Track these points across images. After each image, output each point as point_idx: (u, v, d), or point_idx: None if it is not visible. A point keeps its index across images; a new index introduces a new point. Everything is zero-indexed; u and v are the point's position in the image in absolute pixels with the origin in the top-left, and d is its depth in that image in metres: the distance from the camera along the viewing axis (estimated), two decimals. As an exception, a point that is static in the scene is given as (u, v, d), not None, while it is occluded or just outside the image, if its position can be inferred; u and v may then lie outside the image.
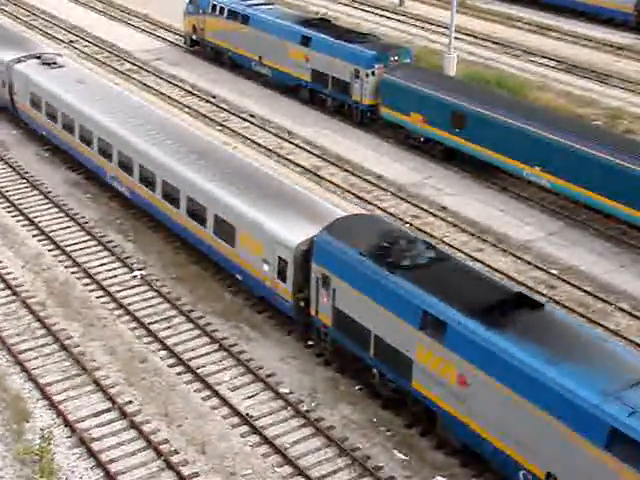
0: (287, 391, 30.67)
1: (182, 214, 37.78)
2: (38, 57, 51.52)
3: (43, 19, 74.70)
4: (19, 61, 51.25)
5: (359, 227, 31.95)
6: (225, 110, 55.95)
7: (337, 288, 29.91)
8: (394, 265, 28.40)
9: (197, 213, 36.93)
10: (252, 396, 30.39)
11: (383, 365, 28.84)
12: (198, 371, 31.36)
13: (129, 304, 35.23)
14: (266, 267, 32.92)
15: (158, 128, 42.81)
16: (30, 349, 32.39)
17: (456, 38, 60.19)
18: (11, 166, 47.21)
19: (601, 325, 34.97)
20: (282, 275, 32.23)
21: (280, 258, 32.18)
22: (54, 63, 50.71)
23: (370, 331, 28.81)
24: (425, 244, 30.37)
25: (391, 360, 28.31)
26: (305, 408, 29.85)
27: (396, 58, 52.83)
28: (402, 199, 45.22)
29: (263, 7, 61.77)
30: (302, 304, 32.14)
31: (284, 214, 33.89)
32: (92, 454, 27.26)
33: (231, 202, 35.27)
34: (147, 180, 39.95)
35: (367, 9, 79.51)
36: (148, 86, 59.49)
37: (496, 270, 38.51)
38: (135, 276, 37.35)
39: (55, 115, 47.15)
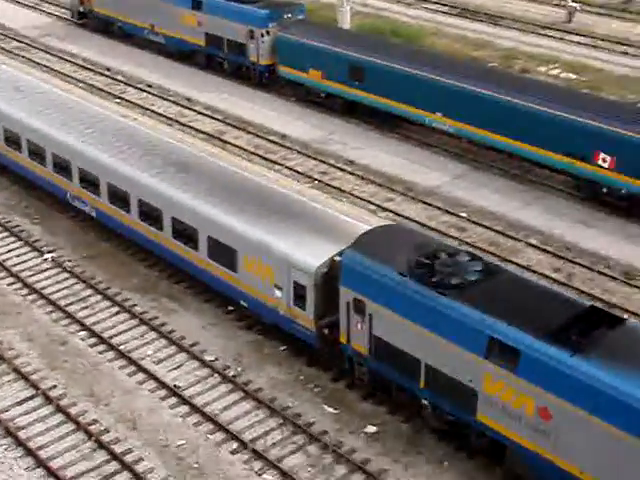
0: (212, 358, 30.76)
1: (167, 236, 34.10)
2: None
3: None
4: None
5: (387, 241, 28.03)
6: (121, 82, 55.30)
7: (374, 313, 26.17)
8: (444, 285, 24.76)
9: (185, 235, 33.25)
10: (178, 367, 30.41)
11: (437, 397, 25.49)
12: (120, 348, 31.24)
13: (42, 288, 34.84)
14: (278, 293, 29.20)
15: (121, 137, 38.80)
16: (-56, 344, 32.03)
17: (348, -10, 60.21)
18: None
19: (513, 262, 35.69)
20: (300, 301, 28.52)
21: (297, 283, 28.40)
22: None
23: (420, 360, 25.29)
24: (468, 255, 26.93)
25: (448, 391, 24.90)
26: (232, 373, 29.98)
27: (290, 15, 52.68)
28: (308, 156, 45.33)
29: (151, -27, 60.96)
30: (326, 331, 28.42)
31: (293, 232, 30.03)
32: (20, 443, 26.97)
33: (228, 222, 31.46)
34: (121, 200, 35.88)
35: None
36: (38, 64, 58.42)
37: (407, 218, 38.95)
38: (46, 259, 36.91)
39: None
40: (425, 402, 26.03)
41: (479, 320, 23.49)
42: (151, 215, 34.47)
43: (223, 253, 31.37)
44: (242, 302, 31.63)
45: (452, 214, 39.67)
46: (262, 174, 37.84)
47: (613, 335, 22.72)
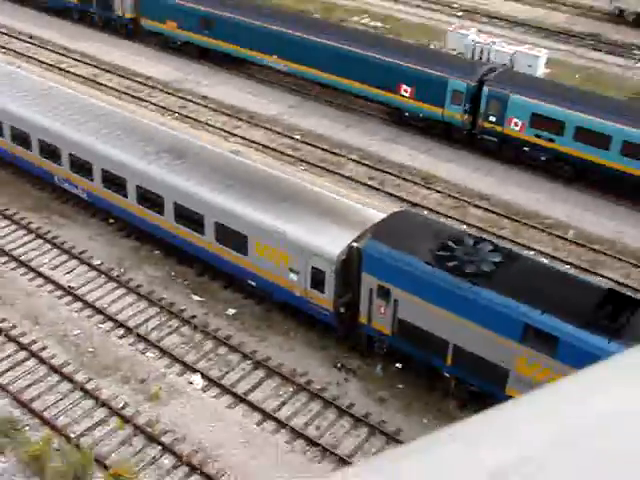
0: (99, 262, 30.22)
1: (169, 220, 29.30)
2: None
3: None
4: None
5: (404, 229, 24.86)
6: (5, 35, 52.65)
7: (400, 299, 23.57)
8: (473, 274, 22.29)
9: (190, 220, 28.53)
10: (70, 271, 29.80)
11: (465, 373, 23.24)
12: (21, 258, 30.33)
13: (-49, 211, 33.44)
14: (294, 276, 25.59)
15: (113, 124, 32.86)
16: None
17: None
18: None
19: (338, 174, 35.97)
20: (318, 285, 25.10)
21: (315, 268, 24.92)
22: None
23: (448, 342, 22.97)
24: (486, 242, 23.99)
25: (477, 369, 22.66)
26: (116, 274, 29.60)
27: (148, -25, 51.02)
28: (169, 94, 44.36)
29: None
30: (342, 310, 25.49)
31: (306, 219, 26.18)
32: (-58, 339, 26.24)
33: (238, 209, 27.06)
34: (119, 185, 30.68)
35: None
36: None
37: (253, 142, 38.71)
38: (-47, 187, 35.32)
39: None
40: (448, 376, 23.72)
41: (513, 308, 21.40)
42: (156, 203, 29.50)
43: (233, 238, 27.24)
44: (250, 281, 27.65)
45: (288, 137, 39.56)
46: (266, 163, 32.63)
47: (637, 318, 20.86)
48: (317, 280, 25.07)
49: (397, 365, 24.98)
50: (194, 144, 31.81)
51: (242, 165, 30.26)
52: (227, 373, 25.17)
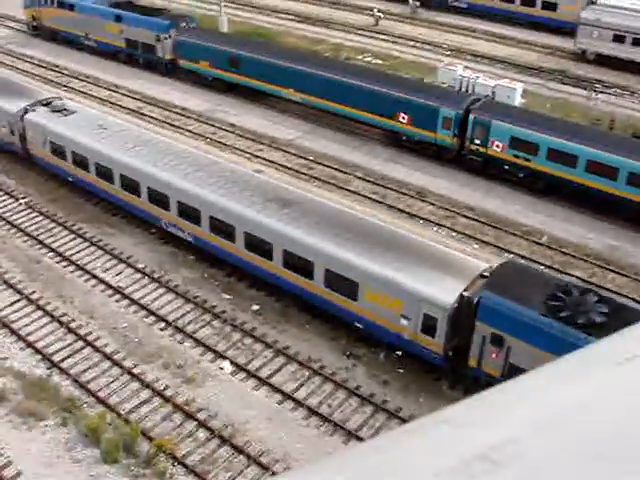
0: (143, 266, 30.29)
1: (277, 265, 26.99)
2: (45, 104, 37.10)
3: None
4: (27, 111, 36.74)
5: (513, 280, 23.06)
6: (67, 75, 52.93)
7: (513, 346, 21.90)
8: (585, 325, 20.65)
9: (299, 266, 26.16)
10: (119, 274, 29.89)
11: None
12: (78, 262, 30.47)
13: (20, 224, 33.51)
14: (404, 322, 23.64)
15: (219, 174, 30.56)
16: (-49, 266, 30.59)
17: (225, 5, 58.71)
18: None
19: (347, 189, 35.95)
20: (429, 330, 23.20)
21: (427, 315, 23.02)
22: (65, 109, 36.55)
23: None
24: (591, 293, 22.14)
25: None
26: (157, 275, 29.64)
27: (184, 24, 51.24)
28: (202, 122, 44.42)
29: (83, -4, 58.26)
30: (450, 354, 23.68)
31: (415, 268, 24.00)
32: (14, 332, 26.46)
33: (349, 257, 24.72)
34: (227, 233, 28.28)
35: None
36: (5, 64, 55.39)
37: (272, 162, 38.76)
38: (20, 203, 35.43)
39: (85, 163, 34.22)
40: None
41: None
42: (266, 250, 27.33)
43: (343, 284, 24.93)
44: (357, 324, 25.30)
45: (303, 158, 39.55)
46: (366, 212, 31.31)
47: None
48: (428, 326, 23.20)
49: (397, 352, 24.94)
50: (298, 194, 29.04)
51: (346, 214, 27.70)
52: (252, 360, 25.18)
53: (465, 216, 34.14)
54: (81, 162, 34.27)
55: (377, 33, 61.28)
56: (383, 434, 2.53)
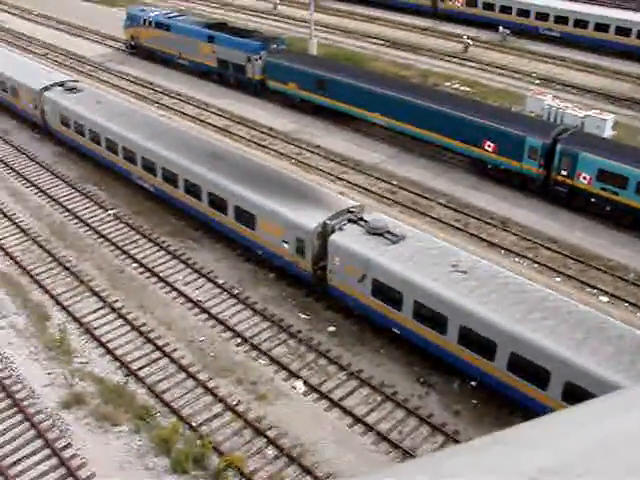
0: (223, 281, 30.62)
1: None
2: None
3: (24, 40, 71.27)
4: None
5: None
6: (160, 92, 54.40)
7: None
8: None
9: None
10: (199, 288, 30.30)
11: None
12: (160, 274, 31.06)
13: (107, 234, 34.46)
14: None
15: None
16: (43, 272, 31.61)
17: (315, 29, 59.39)
18: (13, 145, 45.31)
19: (428, 215, 35.63)
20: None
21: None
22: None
23: None
24: None
25: None
26: (236, 292, 29.90)
27: (275, 46, 52.03)
28: (288, 142, 44.85)
29: (179, 17, 59.92)
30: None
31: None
32: (95, 338, 27.16)
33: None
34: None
35: (251, 13, 77.74)
36: (103, 80, 57.38)
37: (356, 185, 38.77)
38: (109, 214, 36.45)
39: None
40: None
41: None
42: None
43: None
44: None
45: (387, 182, 39.42)
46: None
47: None
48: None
49: (472, 383, 24.45)
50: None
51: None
52: (325, 381, 25.08)
53: (548, 248, 33.33)
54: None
55: (466, 60, 60.88)
56: (441, 450, 2.53)
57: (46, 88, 43.89)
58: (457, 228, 34.74)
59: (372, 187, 38.71)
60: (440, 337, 24.05)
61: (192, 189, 33.28)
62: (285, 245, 28.83)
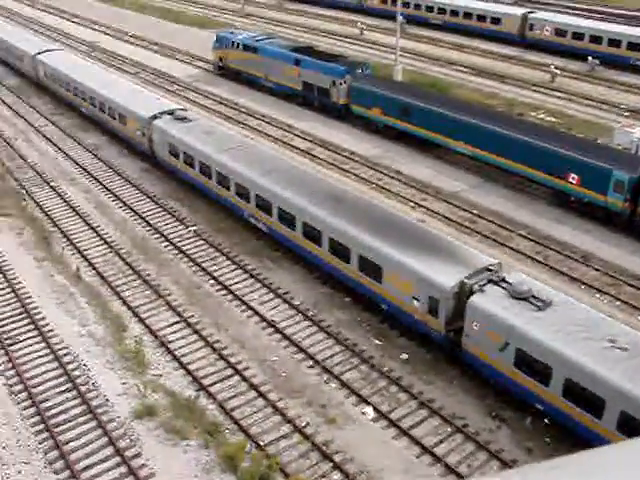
0: (298, 303, 30.73)
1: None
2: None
3: (117, 59, 73.82)
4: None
5: None
6: (244, 113, 55.38)
7: None
8: None
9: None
10: (274, 308, 30.48)
11: None
12: (236, 293, 31.40)
13: (187, 250, 35.12)
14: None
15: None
16: (123, 284, 32.42)
17: (401, 55, 59.51)
18: (102, 160, 46.81)
19: (508, 246, 35.01)
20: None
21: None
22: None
23: None
24: None
25: None
26: (311, 314, 29.94)
27: (360, 70, 52.35)
28: (369, 167, 44.91)
29: (267, 40, 61.03)
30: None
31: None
32: (169, 351, 27.62)
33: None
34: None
35: (338, 38, 78.51)
36: (190, 99, 58.83)
37: (436, 213, 38.47)
38: (189, 230, 37.16)
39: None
40: None
41: None
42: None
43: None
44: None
45: (467, 211, 38.98)
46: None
47: None
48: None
49: (545, 420, 23.78)
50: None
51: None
52: (395, 409, 24.80)
53: (632, 285, 32.25)
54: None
55: (552, 90, 59.90)
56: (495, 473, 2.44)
57: (155, 116, 43.16)
58: (537, 260, 34.02)
59: (452, 216, 38.32)
60: (595, 421, 21.46)
61: (311, 233, 31.09)
62: (415, 302, 26.43)
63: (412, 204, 39.63)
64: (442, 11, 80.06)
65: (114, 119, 48.04)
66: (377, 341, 28.32)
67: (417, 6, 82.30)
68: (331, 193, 32.35)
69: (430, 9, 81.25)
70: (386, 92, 48.57)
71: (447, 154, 45.82)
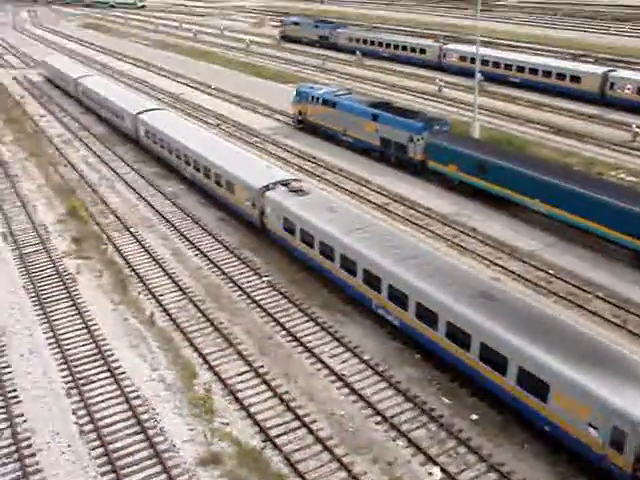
0: (368, 357, 30.48)
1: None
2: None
3: (200, 111, 75.99)
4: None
5: None
6: (322, 167, 56.04)
7: None
8: None
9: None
10: (344, 362, 30.31)
11: None
12: (307, 345, 31.38)
13: (259, 299, 35.39)
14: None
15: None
16: (195, 330, 32.83)
17: (479, 112, 59.51)
18: (180, 208, 47.92)
19: (585, 308, 34.09)
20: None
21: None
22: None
23: None
24: None
25: None
26: (381, 369, 29.64)
27: (438, 127, 52.49)
28: (445, 224, 44.67)
29: (345, 96, 61.96)
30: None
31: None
32: (237, 400, 27.69)
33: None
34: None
35: (417, 95, 79.09)
36: (268, 151, 59.97)
37: (510, 271, 37.85)
38: (263, 280, 37.48)
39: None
40: None
41: None
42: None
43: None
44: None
45: (543, 271, 38.21)
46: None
47: None
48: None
49: (622, 491, 22.74)
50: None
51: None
52: (464, 470, 24.16)
53: None
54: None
55: (634, 149, 58.75)
56: None
57: (267, 187, 40.25)
58: (615, 324, 32.96)
59: (527, 275, 37.63)
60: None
61: (457, 336, 27.26)
62: (591, 431, 22.31)
63: (487, 262, 39.12)
64: (521, 69, 79.99)
65: (220, 186, 45.71)
66: (447, 400, 27.78)
67: (496, 64, 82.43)
68: (479, 289, 28.50)
69: (509, 67, 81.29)
70: (463, 149, 48.54)
71: (523, 212, 45.22)
